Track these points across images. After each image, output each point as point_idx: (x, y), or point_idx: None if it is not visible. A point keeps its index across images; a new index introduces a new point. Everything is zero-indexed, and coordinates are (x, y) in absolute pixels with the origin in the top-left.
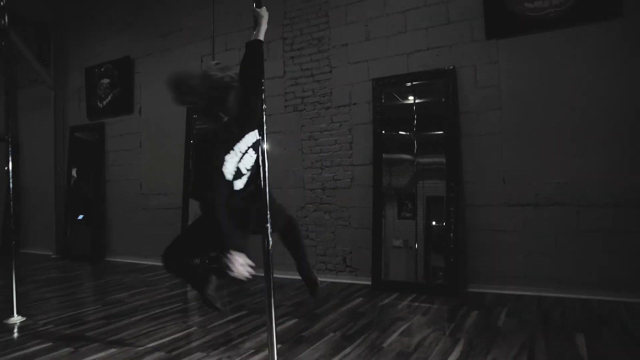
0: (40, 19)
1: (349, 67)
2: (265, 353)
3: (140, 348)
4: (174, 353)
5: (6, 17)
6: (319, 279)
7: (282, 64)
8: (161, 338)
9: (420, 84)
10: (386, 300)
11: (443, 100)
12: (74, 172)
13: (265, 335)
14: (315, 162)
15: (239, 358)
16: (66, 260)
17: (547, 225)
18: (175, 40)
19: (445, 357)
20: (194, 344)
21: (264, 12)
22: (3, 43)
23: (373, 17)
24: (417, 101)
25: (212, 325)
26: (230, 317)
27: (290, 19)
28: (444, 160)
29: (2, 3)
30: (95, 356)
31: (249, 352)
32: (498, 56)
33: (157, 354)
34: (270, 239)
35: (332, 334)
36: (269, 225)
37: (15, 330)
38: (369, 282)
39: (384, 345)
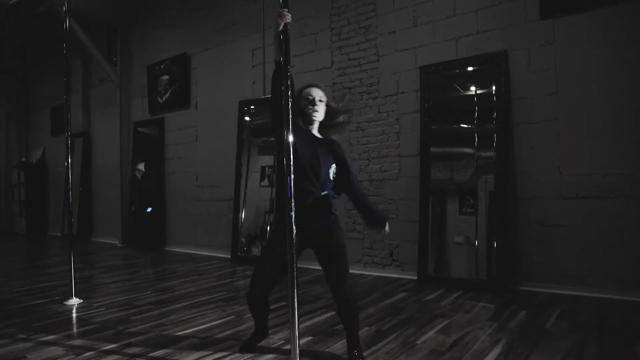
0: (109, 21)
1: (396, 55)
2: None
3: (177, 334)
4: (207, 340)
5: (67, 21)
6: (365, 272)
7: (330, 54)
8: (198, 325)
9: (470, 69)
10: (430, 296)
11: (494, 86)
12: (141, 166)
13: (299, 326)
14: (362, 154)
15: (268, 348)
16: (130, 248)
17: (608, 220)
18: (228, 35)
19: (481, 359)
20: (227, 332)
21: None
22: (64, 45)
23: (421, 2)
24: (466, 88)
25: (250, 315)
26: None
27: (338, 9)
28: (493, 150)
29: (64, 8)
30: (133, 339)
31: (279, 343)
32: (554, 37)
33: (190, 340)
34: (294, 232)
35: (367, 328)
36: (292, 214)
37: (71, 311)
38: (415, 277)
39: (418, 342)
